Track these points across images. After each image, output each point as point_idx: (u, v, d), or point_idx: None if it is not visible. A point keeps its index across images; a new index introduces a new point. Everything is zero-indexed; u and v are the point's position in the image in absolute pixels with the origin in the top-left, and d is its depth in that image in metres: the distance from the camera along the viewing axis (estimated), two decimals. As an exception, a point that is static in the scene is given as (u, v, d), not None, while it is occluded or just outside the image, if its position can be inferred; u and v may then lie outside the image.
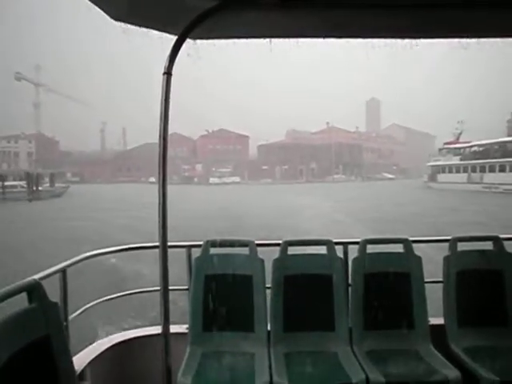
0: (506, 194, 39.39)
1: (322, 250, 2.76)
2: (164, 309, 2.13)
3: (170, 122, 2.05)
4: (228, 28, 2.02)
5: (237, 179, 79.58)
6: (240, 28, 2.03)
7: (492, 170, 46.41)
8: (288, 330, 2.64)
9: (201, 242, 2.73)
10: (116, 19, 1.81)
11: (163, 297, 2.11)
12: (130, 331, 2.84)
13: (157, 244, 2.13)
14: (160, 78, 2.03)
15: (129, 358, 2.69)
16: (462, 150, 54.17)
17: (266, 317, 2.64)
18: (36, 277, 1.91)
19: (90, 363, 2.36)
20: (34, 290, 1.76)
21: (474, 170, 49.24)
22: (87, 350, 2.51)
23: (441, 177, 55.34)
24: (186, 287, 2.77)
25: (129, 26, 1.86)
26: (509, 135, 53.51)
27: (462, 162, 52.04)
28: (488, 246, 2.88)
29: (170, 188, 2.10)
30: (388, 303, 2.66)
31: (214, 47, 2.10)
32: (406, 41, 2.02)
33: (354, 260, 2.73)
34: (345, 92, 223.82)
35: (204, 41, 2.07)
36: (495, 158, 46.68)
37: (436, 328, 2.66)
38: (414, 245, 2.80)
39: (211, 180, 78.24)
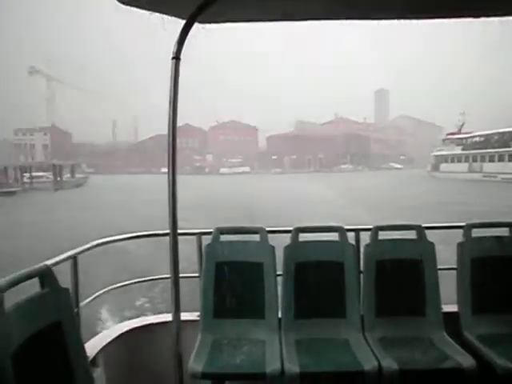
0: (506, 182, 40.18)
1: (333, 236, 2.73)
2: (175, 296, 2.13)
3: (181, 112, 2.02)
4: (237, 11, 1.97)
5: (247, 169, 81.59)
6: (249, 11, 1.98)
7: (491, 159, 47.57)
8: (299, 317, 2.61)
9: (211, 230, 2.71)
10: (123, 3, 1.75)
11: (174, 284, 2.11)
12: (141, 318, 2.87)
13: (167, 231, 2.14)
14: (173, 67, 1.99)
15: (140, 345, 2.70)
16: (464, 141, 55.28)
17: (276, 304, 2.62)
18: (48, 263, 1.90)
19: (102, 350, 2.39)
20: (46, 276, 1.75)
21: (474, 159, 50.44)
22: (99, 337, 2.55)
23: (443, 166, 56.48)
24: (196, 275, 2.77)
25: (136, 9, 1.82)
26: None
27: (464, 152, 53.18)
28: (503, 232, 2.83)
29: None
30: (400, 290, 2.64)
31: (223, 33, 2.05)
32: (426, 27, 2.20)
33: (366, 247, 2.70)
34: (354, 82, 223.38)
35: (213, 25, 2.04)
36: (494, 147, 47.69)
37: (449, 315, 2.61)
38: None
39: (222, 170, 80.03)
